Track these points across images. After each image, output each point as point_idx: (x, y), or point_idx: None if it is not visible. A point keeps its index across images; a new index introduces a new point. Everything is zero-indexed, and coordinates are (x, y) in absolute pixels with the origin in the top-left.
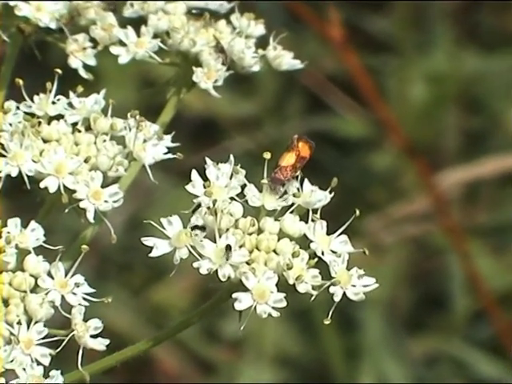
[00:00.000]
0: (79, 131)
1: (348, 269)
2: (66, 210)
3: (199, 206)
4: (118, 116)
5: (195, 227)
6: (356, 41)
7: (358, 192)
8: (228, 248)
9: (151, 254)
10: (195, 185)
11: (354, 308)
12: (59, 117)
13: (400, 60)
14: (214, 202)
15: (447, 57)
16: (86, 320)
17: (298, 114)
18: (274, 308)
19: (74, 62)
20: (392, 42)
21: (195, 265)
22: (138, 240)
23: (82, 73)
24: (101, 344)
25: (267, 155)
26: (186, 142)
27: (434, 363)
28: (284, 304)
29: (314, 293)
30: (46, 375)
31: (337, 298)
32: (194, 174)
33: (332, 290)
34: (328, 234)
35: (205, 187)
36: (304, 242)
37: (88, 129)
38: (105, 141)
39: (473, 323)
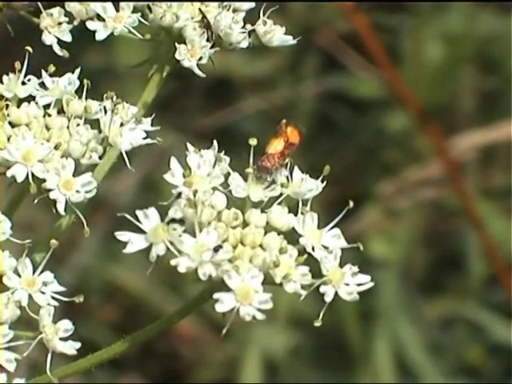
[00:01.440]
0: (49, 115)
1: (341, 266)
2: (36, 201)
3: (179, 196)
4: (130, 77)
5: (173, 221)
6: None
7: (372, 152)
8: (217, 249)
9: (125, 251)
10: (174, 173)
11: (369, 270)
12: (30, 99)
13: (416, 20)
14: (195, 192)
15: (463, 17)
16: (55, 322)
17: (313, 73)
18: (259, 310)
19: (48, 39)
20: (408, 1)
21: (173, 262)
22: (151, 201)
23: (57, 49)
24: (71, 348)
25: (253, 141)
26: (201, 102)
27: (449, 326)
28: (270, 305)
29: (304, 292)
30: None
31: (328, 299)
32: (174, 162)
33: (323, 289)
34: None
35: (184, 176)
36: (293, 235)
37: (61, 111)
38: (78, 125)
39: (488, 286)
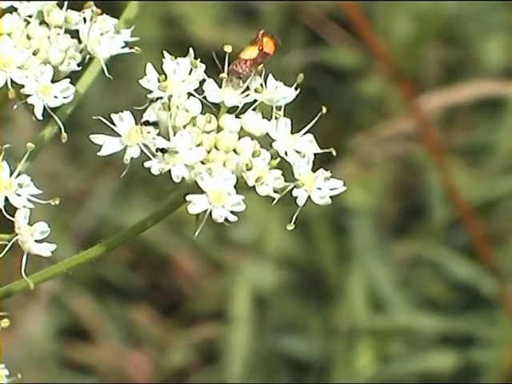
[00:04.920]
0: (28, 23)
1: (313, 170)
2: (15, 107)
3: (153, 101)
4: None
5: (147, 123)
6: None
7: (349, 114)
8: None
9: (100, 153)
10: (150, 79)
11: (346, 216)
12: (13, 10)
13: (387, 2)
14: (170, 97)
15: None
16: (31, 223)
17: (299, 46)
18: (231, 212)
19: None
20: None
21: (146, 164)
22: None
23: None
24: (46, 249)
25: (228, 48)
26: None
27: (416, 265)
28: (243, 207)
29: (276, 196)
30: None
31: (300, 202)
32: (149, 68)
33: (295, 193)
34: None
35: (159, 81)
36: (267, 142)
37: (43, 23)
38: (58, 34)
39: (449, 231)
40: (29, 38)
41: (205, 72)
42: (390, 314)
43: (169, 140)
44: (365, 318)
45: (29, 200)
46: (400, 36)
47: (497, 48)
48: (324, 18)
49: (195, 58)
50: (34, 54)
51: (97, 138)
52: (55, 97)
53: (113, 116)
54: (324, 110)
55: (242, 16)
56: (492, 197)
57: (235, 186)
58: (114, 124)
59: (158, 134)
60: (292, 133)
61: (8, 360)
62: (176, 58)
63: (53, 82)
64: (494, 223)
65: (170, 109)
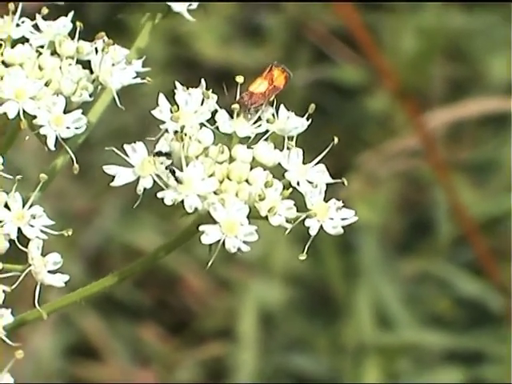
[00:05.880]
0: (40, 53)
1: (326, 200)
2: (27, 138)
3: (167, 131)
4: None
5: (159, 153)
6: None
7: (355, 131)
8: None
9: (113, 184)
10: (162, 109)
11: (352, 233)
12: (24, 41)
13: (394, 17)
14: (182, 127)
15: (435, 15)
16: (44, 254)
17: (304, 64)
18: (244, 242)
19: None
20: (387, 1)
21: (159, 195)
22: None
23: None
24: (59, 280)
25: (240, 79)
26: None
27: (422, 282)
28: (255, 238)
29: (289, 226)
30: None
31: (313, 232)
32: (162, 99)
33: (308, 223)
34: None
35: (172, 112)
36: (279, 172)
37: (54, 53)
38: (70, 64)
39: (455, 247)
40: (41, 68)
41: (211, 90)
42: (396, 331)
43: (182, 171)
44: (372, 335)
45: (42, 231)
46: (406, 52)
47: (503, 64)
48: (329, 36)
49: (201, 76)
50: (47, 84)
51: (110, 169)
52: (67, 127)
53: (126, 146)
54: (336, 140)
55: (247, 34)
56: (498, 213)
57: (248, 216)
58: (126, 154)
59: (171, 165)
60: (304, 160)
61: (16, 377)
62: (184, 84)
63: (65, 112)
64: (500, 239)
65: (182, 139)
